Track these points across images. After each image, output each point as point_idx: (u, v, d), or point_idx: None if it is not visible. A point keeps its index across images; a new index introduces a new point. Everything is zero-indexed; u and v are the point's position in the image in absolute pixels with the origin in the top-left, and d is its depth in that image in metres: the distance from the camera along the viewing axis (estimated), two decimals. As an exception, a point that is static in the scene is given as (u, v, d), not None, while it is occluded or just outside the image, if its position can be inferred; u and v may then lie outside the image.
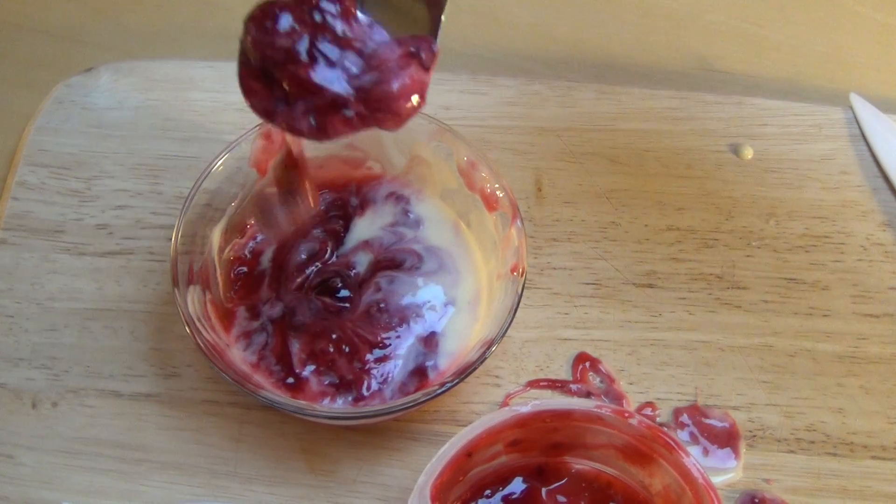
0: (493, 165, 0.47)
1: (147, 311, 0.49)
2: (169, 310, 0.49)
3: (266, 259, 0.48)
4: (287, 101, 0.37)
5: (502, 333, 0.43)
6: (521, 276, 0.44)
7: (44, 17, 0.61)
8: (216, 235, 0.47)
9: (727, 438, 0.46)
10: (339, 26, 0.37)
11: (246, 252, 0.48)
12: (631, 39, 0.61)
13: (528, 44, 0.61)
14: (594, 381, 0.48)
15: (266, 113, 0.38)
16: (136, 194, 0.52)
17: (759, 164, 0.54)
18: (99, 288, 0.49)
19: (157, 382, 0.47)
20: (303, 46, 0.36)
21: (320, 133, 0.37)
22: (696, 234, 0.52)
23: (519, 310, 0.43)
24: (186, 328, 0.43)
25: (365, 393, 0.44)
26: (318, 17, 0.36)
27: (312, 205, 0.44)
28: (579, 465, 0.44)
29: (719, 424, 0.47)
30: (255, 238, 0.48)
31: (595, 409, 0.42)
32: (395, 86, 0.36)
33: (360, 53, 0.37)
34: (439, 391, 0.42)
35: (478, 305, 0.47)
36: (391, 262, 0.47)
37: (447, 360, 0.45)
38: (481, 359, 0.42)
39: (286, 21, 0.36)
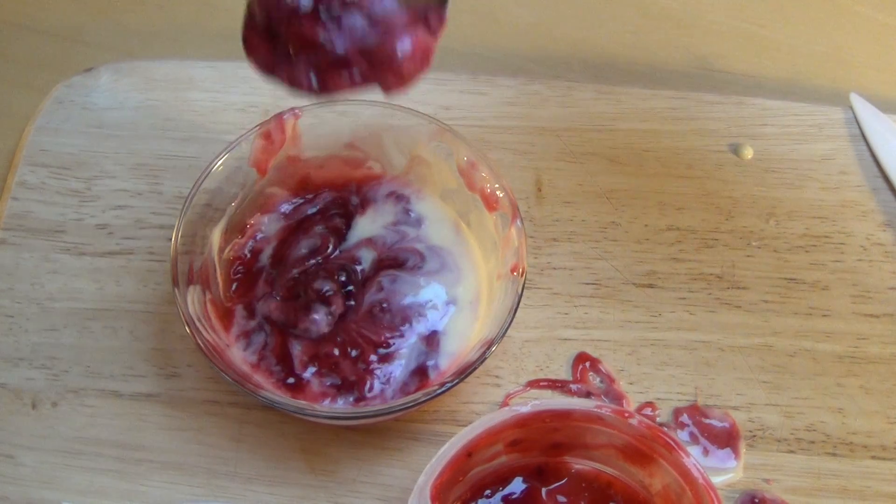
0: (493, 165, 0.47)
1: (147, 311, 0.49)
2: (169, 310, 0.49)
3: (265, 256, 0.48)
4: (290, 58, 0.36)
5: (502, 333, 0.43)
6: (521, 276, 0.44)
7: (44, 17, 0.61)
8: (216, 235, 0.47)
9: (727, 438, 0.46)
10: None
11: (246, 251, 0.48)
12: (631, 39, 0.61)
13: (528, 44, 0.61)
14: (594, 381, 0.48)
15: (267, 67, 0.38)
16: (136, 194, 0.52)
17: (759, 164, 0.54)
18: (99, 288, 0.49)
19: (157, 382, 0.47)
20: (307, 3, 0.36)
21: (321, 89, 0.37)
22: (696, 234, 0.52)
23: (519, 310, 0.43)
24: (186, 328, 0.43)
25: (366, 393, 0.44)
26: None
27: None
28: (579, 465, 0.44)
29: (719, 424, 0.47)
30: (254, 237, 0.48)
31: (595, 409, 0.42)
32: (399, 45, 0.36)
33: (366, 14, 0.36)
34: (439, 391, 0.42)
35: (478, 305, 0.47)
36: (394, 260, 0.48)
37: (448, 359, 0.45)
38: (481, 359, 0.42)
39: None
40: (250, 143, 0.47)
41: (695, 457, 0.41)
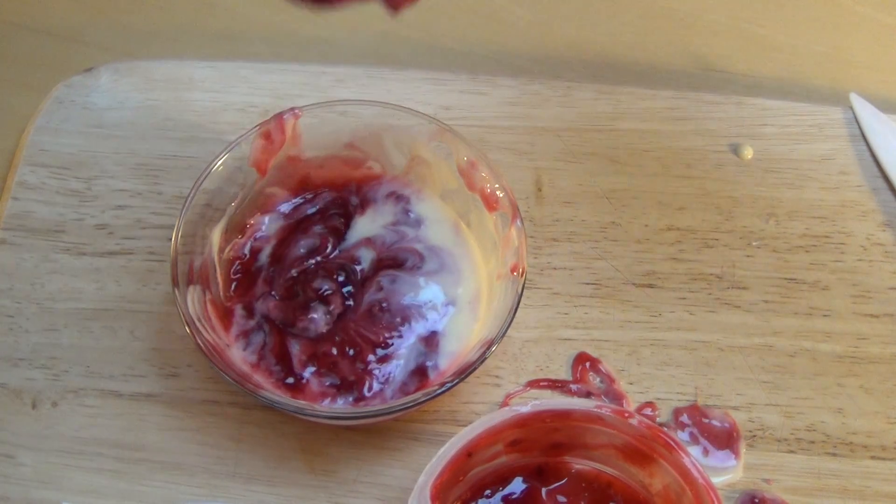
0: (493, 165, 0.47)
1: (147, 311, 0.49)
2: (169, 310, 0.49)
3: (265, 256, 0.48)
4: None
5: (502, 333, 0.43)
6: (521, 276, 0.44)
7: (44, 17, 0.61)
8: (216, 235, 0.47)
9: (727, 438, 0.46)
10: None
11: (245, 251, 0.48)
12: (631, 39, 0.61)
13: (528, 44, 0.61)
14: (594, 381, 0.48)
15: None
16: (136, 194, 0.52)
17: (759, 164, 0.54)
18: (99, 288, 0.49)
19: (157, 382, 0.47)
20: None
21: None
22: (696, 234, 0.52)
23: (519, 310, 0.43)
24: (186, 328, 0.43)
25: (366, 393, 0.44)
26: None
27: None
28: (579, 465, 0.44)
29: (719, 424, 0.47)
30: (254, 237, 0.48)
31: (595, 409, 0.42)
32: None
33: None
34: (439, 391, 0.42)
35: (478, 305, 0.47)
36: (393, 260, 0.48)
37: (447, 359, 0.45)
38: (481, 359, 0.42)
39: None
40: (250, 143, 0.47)
41: (695, 457, 0.41)
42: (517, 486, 0.43)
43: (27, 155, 0.53)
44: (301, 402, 0.43)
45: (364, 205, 0.49)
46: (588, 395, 0.47)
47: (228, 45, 0.60)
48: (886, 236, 0.52)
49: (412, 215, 0.49)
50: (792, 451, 0.46)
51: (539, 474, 0.43)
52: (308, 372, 0.45)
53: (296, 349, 0.45)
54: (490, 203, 0.47)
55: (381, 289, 0.47)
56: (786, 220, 0.52)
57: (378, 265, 0.47)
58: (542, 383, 0.48)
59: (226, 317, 0.46)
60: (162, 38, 0.60)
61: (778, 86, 0.59)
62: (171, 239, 0.44)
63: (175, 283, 0.43)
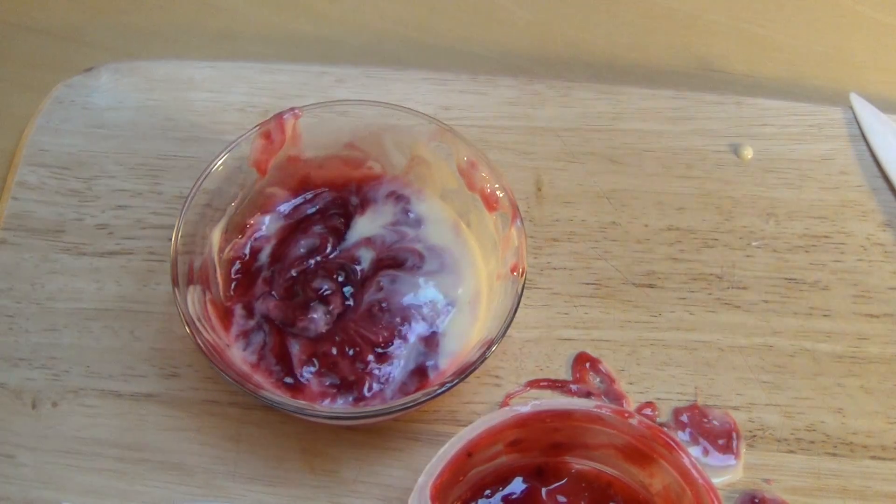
0: (493, 165, 0.47)
1: (147, 311, 0.49)
2: (169, 310, 0.49)
3: (265, 256, 0.48)
4: None
5: (502, 333, 0.43)
6: (521, 276, 0.44)
7: (44, 17, 0.61)
8: (216, 235, 0.47)
9: (727, 438, 0.46)
10: None
11: (245, 251, 0.48)
12: (631, 39, 0.61)
13: (528, 44, 0.61)
14: (594, 381, 0.48)
15: None
16: (136, 194, 0.52)
17: (759, 164, 0.54)
18: (99, 288, 0.49)
19: (157, 382, 0.47)
20: None
21: None
22: (696, 234, 0.52)
23: (519, 310, 0.43)
24: (186, 328, 0.43)
25: (366, 393, 0.44)
26: None
27: None
28: (579, 465, 0.44)
29: (719, 424, 0.47)
30: (254, 237, 0.48)
31: (595, 409, 0.42)
32: None
33: None
34: (439, 391, 0.42)
35: (478, 305, 0.47)
36: (393, 260, 0.48)
37: (447, 359, 0.45)
38: (481, 359, 0.42)
39: None
40: (250, 143, 0.47)
41: (695, 457, 0.41)
42: (517, 486, 0.43)
43: (27, 155, 0.53)
44: (301, 402, 0.43)
45: (364, 205, 0.49)
46: (588, 395, 0.47)
47: (228, 45, 0.60)
48: (886, 236, 0.52)
49: (412, 215, 0.49)
50: (792, 451, 0.46)
51: (539, 474, 0.43)
52: (308, 372, 0.45)
53: (296, 349, 0.45)
54: (490, 203, 0.47)
55: (381, 289, 0.47)
56: (786, 220, 0.52)
57: (378, 265, 0.48)
58: (542, 383, 0.48)
59: (226, 317, 0.46)
60: (162, 38, 0.60)
61: (778, 86, 0.59)
62: (171, 239, 0.44)
63: (175, 283, 0.43)
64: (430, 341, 0.46)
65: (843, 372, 0.48)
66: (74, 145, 0.53)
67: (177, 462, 0.45)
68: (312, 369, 0.45)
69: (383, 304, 0.46)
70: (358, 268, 0.48)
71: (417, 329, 0.46)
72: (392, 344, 0.45)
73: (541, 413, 0.41)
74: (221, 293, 0.47)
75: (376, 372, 0.45)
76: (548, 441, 0.43)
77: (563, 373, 0.48)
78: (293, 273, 0.47)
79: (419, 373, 0.45)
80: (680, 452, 0.41)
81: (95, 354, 0.48)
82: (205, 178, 0.46)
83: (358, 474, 0.45)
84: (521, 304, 0.44)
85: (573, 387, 0.48)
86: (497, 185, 0.47)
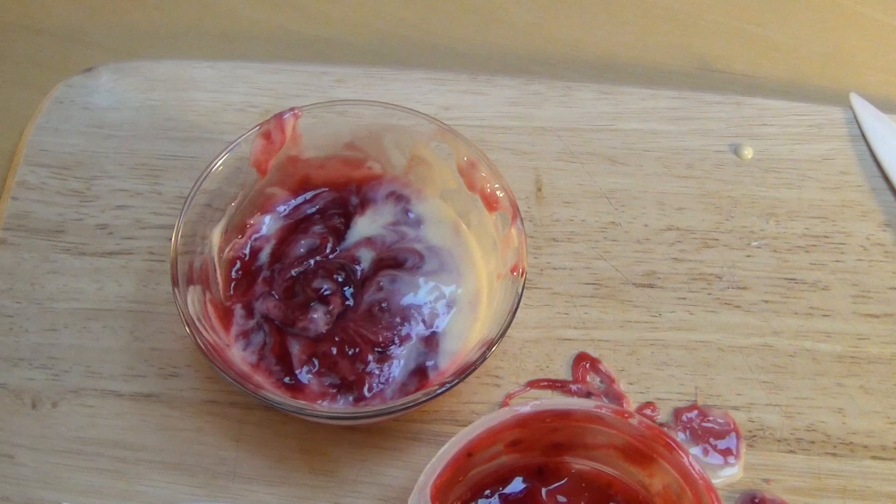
0: (493, 165, 0.47)
1: (147, 311, 0.49)
2: (169, 310, 0.49)
3: (265, 256, 0.48)
4: None
5: (502, 333, 0.43)
6: (521, 276, 0.44)
7: (44, 17, 0.61)
8: (216, 235, 0.47)
9: (727, 438, 0.46)
10: None
11: (245, 251, 0.48)
12: (631, 39, 0.61)
13: (528, 44, 0.61)
14: (594, 381, 0.48)
15: None
16: (136, 194, 0.52)
17: (759, 164, 0.54)
18: (99, 288, 0.49)
19: (157, 382, 0.47)
20: None
21: None
22: (696, 234, 0.52)
23: (519, 310, 0.43)
24: (186, 328, 0.43)
25: (366, 393, 0.44)
26: None
27: None
28: (579, 465, 0.44)
29: (719, 424, 0.47)
30: (254, 237, 0.48)
31: (595, 409, 0.42)
32: None
33: None
34: (439, 391, 0.42)
35: (478, 305, 0.47)
36: (393, 260, 0.48)
37: (447, 360, 0.45)
38: (481, 359, 0.42)
39: None
40: (250, 143, 0.47)
41: (695, 457, 0.41)
42: (517, 486, 0.43)
43: (27, 155, 0.53)
44: (301, 402, 0.43)
45: (364, 205, 0.49)
46: (588, 395, 0.47)
47: (228, 45, 0.60)
48: (886, 236, 0.52)
49: (412, 215, 0.49)
50: (792, 451, 0.46)
51: (539, 474, 0.43)
52: (308, 372, 0.45)
53: (296, 349, 0.45)
54: (490, 203, 0.47)
55: (380, 289, 0.47)
56: (786, 220, 0.52)
57: (378, 265, 0.48)
58: (542, 383, 0.48)
59: (226, 317, 0.46)
60: (162, 38, 0.60)
61: (778, 86, 0.59)
62: (171, 239, 0.44)
63: (175, 283, 0.43)
64: (430, 341, 0.46)
65: (843, 372, 0.48)
66: (74, 145, 0.53)
67: (177, 462, 0.45)
68: (312, 369, 0.45)
69: (383, 304, 0.46)
70: (358, 268, 0.48)
71: (417, 329, 0.46)
72: (392, 344, 0.45)
73: (541, 413, 0.41)
74: (221, 293, 0.47)
75: (376, 372, 0.45)
76: (548, 441, 0.43)
77: (563, 373, 0.48)
78: (293, 273, 0.47)
79: (419, 373, 0.45)
80: (680, 452, 0.41)
81: (95, 354, 0.48)
82: (205, 178, 0.46)
83: (358, 474, 0.45)
84: (521, 304, 0.44)
85: (573, 387, 0.48)
86: (497, 185, 0.47)
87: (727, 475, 0.46)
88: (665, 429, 0.43)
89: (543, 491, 0.43)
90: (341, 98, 0.51)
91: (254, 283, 0.47)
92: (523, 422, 0.41)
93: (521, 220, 0.45)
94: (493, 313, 0.45)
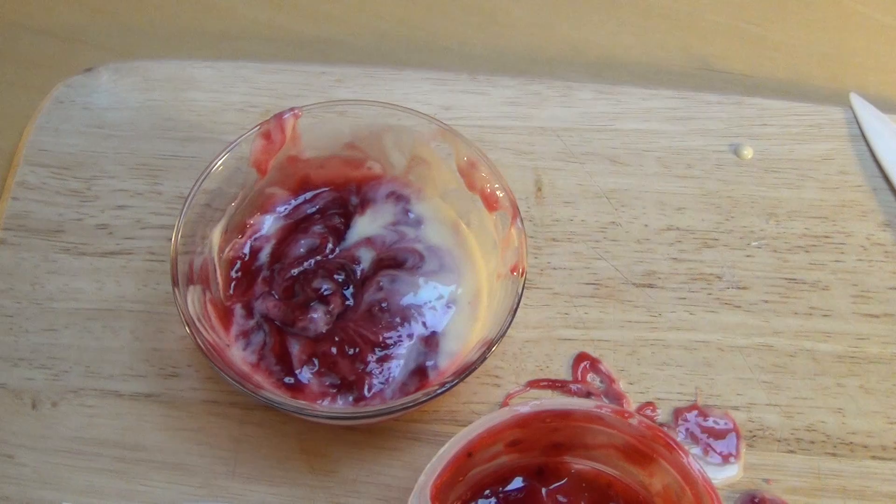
0: (493, 165, 0.47)
1: (147, 311, 0.49)
2: (169, 310, 0.49)
3: (265, 256, 0.48)
4: None
5: (502, 333, 0.43)
6: (521, 276, 0.44)
7: (44, 17, 0.61)
8: (216, 235, 0.47)
9: (727, 438, 0.46)
10: None
11: (245, 251, 0.48)
12: (631, 39, 0.61)
13: (528, 44, 0.61)
14: (594, 381, 0.48)
15: None
16: (136, 194, 0.52)
17: (759, 164, 0.54)
18: (99, 288, 0.49)
19: (157, 382, 0.47)
20: None
21: None
22: (696, 234, 0.52)
23: (519, 310, 0.43)
24: (186, 328, 0.43)
25: (366, 393, 0.44)
26: None
27: None
28: (579, 465, 0.44)
29: (719, 424, 0.47)
30: (254, 237, 0.48)
31: (595, 409, 0.42)
32: None
33: None
34: (439, 391, 0.42)
35: (478, 305, 0.47)
36: (393, 260, 0.48)
37: (447, 360, 0.45)
38: (481, 359, 0.42)
39: None
40: (250, 143, 0.47)
41: (695, 457, 0.41)
42: (517, 486, 0.43)
43: (27, 155, 0.53)
44: (301, 402, 0.43)
45: (364, 205, 0.49)
46: (588, 395, 0.47)
47: (228, 45, 0.60)
48: (886, 236, 0.52)
49: (412, 215, 0.49)
50: (792, 451, 0.46)
51: (539, 474, 0.43)
52: (308, 372, 0.45)
53: (296, 349, 0.45)
54: (490, 203, 0.47)
55: (380, 289, 0.47)
56: (786, 220, 0.52)
57: (378, 265, 0.48)
58: (542, 383, 0.48)
59: (226, 317, 0.46)
60: (162, 38, 0.60)
61: (778, 86, 0.59)
62: (171, 239, 0.44)
63: (175, 283, 0.43)
64: (430, 341, 0.46)
65: (843, 372, 0.48)
66: (74, 145, 0.53)
67: (177, 462, 0.45)
68: (312, 369, 0.45)
69: (383, 304, 0.46)
70: (358, 268, 0.48)
71: (417, 329, 0.46)
72: (392, 344, 0.45)
73: (541, 413, 0.41)
74: (221, 293, 0.47)
75: (376, 372, 0.45)
76: (548, 441, 0.43)
77: (563, 373, 0.48)
78: (293, 273, 0.47)
79: (419, 373, 0.45)
80: (680, 452, 0.41)
81: (95, 354, 0.48)
82: (205, 178, 0.46)
83: (358, 474, 0.45)
84: (521, 304, 0.44)
85: (573, 387, 0.48)
86: (497, 185, 0.47)
87: (727, 475, 0.46)
88: (665, 429, 0.43)
89: (543, 491, 0.43)
90: (341, 98, 0.51)
91: (254, 282, 0.47)
92: (523, 422, 0.41)
93: (521, 220, 0.45)
94: (493, 313, 0.45)
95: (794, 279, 0.51)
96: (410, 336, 0.46)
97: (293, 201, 0.49)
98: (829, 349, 0.49)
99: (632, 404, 0.47)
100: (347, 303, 0.46)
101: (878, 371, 0.48)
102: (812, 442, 0.47)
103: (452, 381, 0.42)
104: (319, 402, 0.44)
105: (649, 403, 0.47)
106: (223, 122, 0.54)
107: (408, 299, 0.47)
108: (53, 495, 0.45)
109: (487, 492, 0.43)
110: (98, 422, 0.46)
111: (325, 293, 0.46)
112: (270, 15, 0.61)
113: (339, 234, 0.49)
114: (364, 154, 0.50)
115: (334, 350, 0.45)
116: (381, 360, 0.45)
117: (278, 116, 0.47)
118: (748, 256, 0.51)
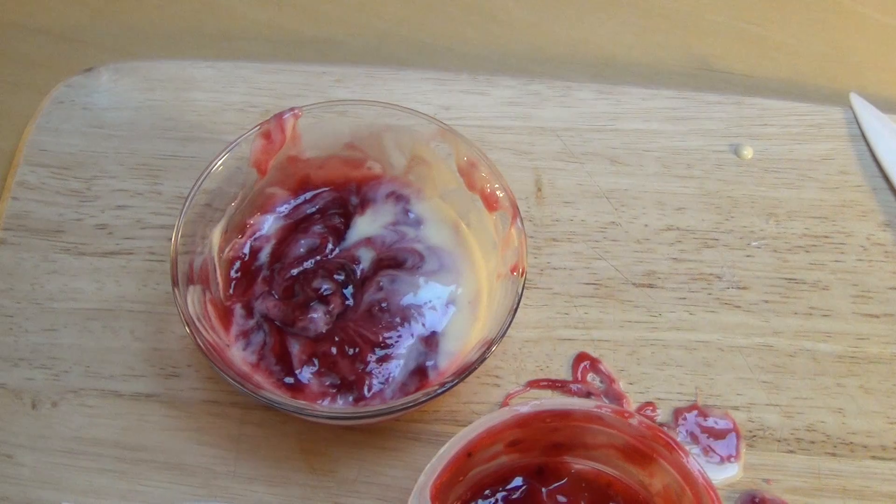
0: (493, 165, 0.47)
1: (147, 311, 0.49)
2: (169, 310, 0.49)
3: (265, 256, 0.48)
4: None
5: (502, 333, 0.43)
6: (521, 276, 0.44)
7: (44, 17, 0.61)
8: (216, 235, 0.47)
9: (727, 438, 0.46)
10: None
11: (245, 251, 0.48)
12: (631, 39, 0.61)
13: (528, 44, 0.61)
14: (594, 381, 0.48)
15: None
16: (136, 194, 0.52)
17: (759, 164, 0.54)
18: (99, 288, 0.49)
19: (157, 382, 0.47)
20: None
21: None
22: (696, 234, 0.52)
23: (519, 310, 0.43)
24: (186, 328, 0.43)
25: (366, 393, 0.44)
26: None
27: None
28: (579, 465, 0.44)
29: (719, 424, 0.47)
30: (254, 237, 0.48)
31: (595, 409, 0.42)
32: None
33: None
34: (439, 391, 0.42)
35: (478, 305, 0.47)
36: (393, 260, 0.48)
37: (447, 359, 0.45)
38: (481, 359, 0.42)
39: None
40: (250, 143, 0.47)
41: (695, 457, 0.41)
42: (517, 486, 0.43)
43: (27, 155, 0.53)
44: (301, 402, 0.43)
45: (364, 205, 0.49)
46: (588, 395, 0.47)
47: (228, 45, 0.60)
48: (886, 236, 0.52)
49: (412, 215, 0.49)
50: (792, 451, 0.46)
51: (539, 474, 0.43)
52: (308, 372, 0.45)
53: (296, 349, 0.45)
54: (490, 203, 0.47)
55: (380, 289, 0.47)
56: (786, 220, 0.52)
57: (378, 265, 0.47)
58: (542, 383, 0.48)
59: (226, 317, 0.46)
60: (162, 38, 0.60)
61: (778, 86, 0.59)
62: (171, 239, 0.44)
63: (175, 283, 0.43)
64: (430, 341, 0.46)
65: (843, 372, 0.48)
66: (74, 145, 0.53)
67: (177, 462, 0.45)
68: (312, 369, 0.45)
69: (383, 304, 0.46)
70: (358, 268, 0.48)
71: (417, 329, 0.46)
72: (392, 344, 0.45)
73: (541, 413, 0.41)
74: (221, 293, 0.47)
75: (376, 372, 0.45)
76: (548, 441, 0.43)
77: (563, 373, 0.48)
78: (293, 273, 0.47)
79: (419, 373, 0.45)
80: (680, 452, 0.41)
81: (95, 354, 0.48)
82: (205, 178, 0.46)
83: (358, 474, 0.45)
84: (521, 304, 0.44)
85: (573, 387, 0.48)
86: (497, 185, 0.47)
87: (727, 475, 0.46)
88: (665, 429, 0.43)
89: (543, 491, 0.43)
90: (341, 98, 0.51)
91: (254, 282, 0.47)
92: (523, 422, 0.41)
93: (521, 220, 0.45)
94: (492, 313, 0.45)
95: (794, 279, 0.51)
96: (410, 336, 0.46)
97: (293, 201, 0.50)
98: (829, 349, 0.49)
99: (632, 404, 0.47)
100: (347, 303, 0.46)
101: (878, 371, 0.48)
102: (812, 442, 0.47)
103: (452, 381, 0.42)
104: (319, 402, 0.44)
105: (649, 403, 0.47)
106: (223, 122, 0.54)
107: (408, 299, 0.47)
108: (53, 495, 0.45)
109: (487, 492, 0.43)
110: (98, 422, 0.46)
111: (325, 293, 0.46)
112: (270, 15, 0.61)
113: (339, 234, 0.49)
114: (364, 154, 0.50)
115: (334, 350, 0.45)
116: (381, 360, 0.45)
117: (278, 116, 0.47)
118: (748, 256, 0.51)
